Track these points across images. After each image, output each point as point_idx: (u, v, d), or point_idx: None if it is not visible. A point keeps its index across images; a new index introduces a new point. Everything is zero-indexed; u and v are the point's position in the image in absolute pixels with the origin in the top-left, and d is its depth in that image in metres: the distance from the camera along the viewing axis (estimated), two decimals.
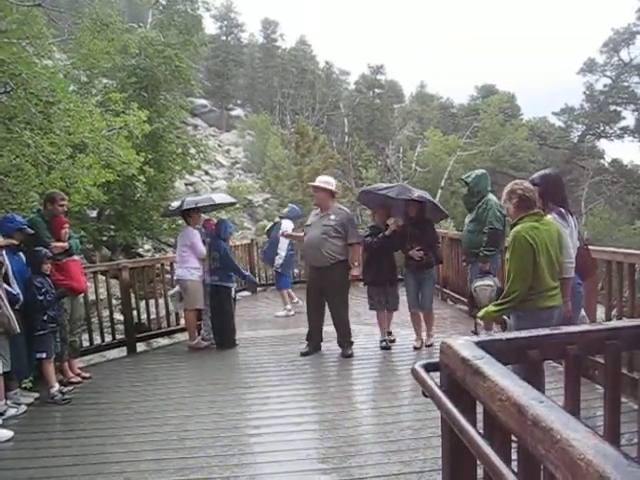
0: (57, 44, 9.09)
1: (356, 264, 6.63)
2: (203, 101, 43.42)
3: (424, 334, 6.74)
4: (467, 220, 6.45)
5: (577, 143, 42.45)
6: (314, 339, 6.69)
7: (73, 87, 9.36)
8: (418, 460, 3.61)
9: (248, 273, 8.37)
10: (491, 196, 6.10)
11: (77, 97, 7.26)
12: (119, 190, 10.95)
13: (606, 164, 41.95)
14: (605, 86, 41.90)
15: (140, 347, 7.58)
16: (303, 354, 6.57)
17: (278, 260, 9.22)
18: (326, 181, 6.68)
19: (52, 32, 7.77)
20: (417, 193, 6.48)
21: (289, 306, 9.24)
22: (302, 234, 7.00)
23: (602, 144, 43.90)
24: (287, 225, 9.07)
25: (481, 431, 1.47)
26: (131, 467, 3.89)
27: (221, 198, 8.69)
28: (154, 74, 11.89)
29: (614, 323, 2.37)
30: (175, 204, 7.86)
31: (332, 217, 6.41)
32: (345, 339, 6.57)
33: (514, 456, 1.55)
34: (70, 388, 5.72)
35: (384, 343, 6.67)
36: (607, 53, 41.22)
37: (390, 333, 6.96)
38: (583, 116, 42.69)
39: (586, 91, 42.75)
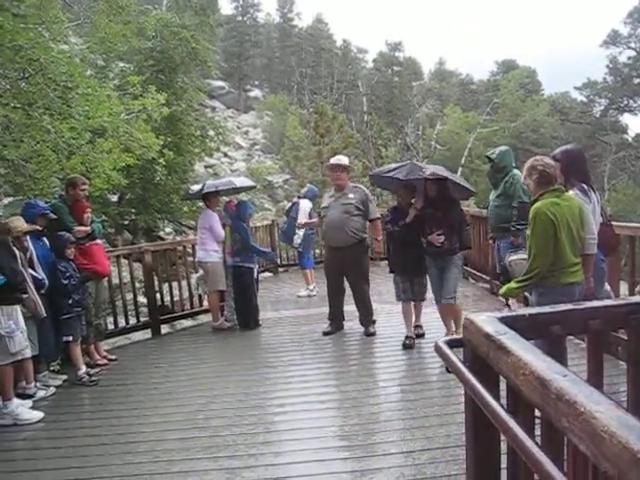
0: (73, 28, 9.11)
1: (379, 239, 6.76)
2: (220, 83, 43.40)
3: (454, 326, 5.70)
4: (493, 196, 6.41)
5: (600, 118, 41.65)
6: (336, 319, 6.73)
7: (90, 71, 9.40)
8: (442, 436, 3.63)
9: (267, 250, 8.47)
10: (516, 171, 6.05)
11: (95, 81, 7.28)
12: (139, 174, 11.02)
13: (629, 139, 41.17)
14: (629, 58, 40.94)
15: (164, 329, 7.68)
16: (326, 333, 6.62)
17: (297, 240, 9.23)
18: (344, 159, 6.74)
19: (67, 16, 7.78)
20: (430, 170, 5.69)
21: (311, 286, 9.23)
22: (316, 219, 7.03)
23: (625, 118, 43.17)
24: (305, 205, 9.05)
25: (505, 406, 1.47)
26: (158, 446, 3.97)
27: (241, 182, 8.67)
28: (171, 56, 11.88)
29: (637, 298, 2.35)
30: (196, 188, 7.91)
31: (351, 196, 6.40)
32: (367, 318, 6.58)
33: (537, 431, 1.55)
34: (97, 370, 5.83)
35: (408, 341, 5.88)
36: (631, 24, 40.24)
37: (419, 326, 6.29)
38: (606, 90, 41.83)
39: (609, 64, 41.83)
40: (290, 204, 9.83)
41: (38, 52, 5.82)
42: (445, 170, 5.91)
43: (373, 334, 6.47)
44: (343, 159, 6.75)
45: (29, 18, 6.22)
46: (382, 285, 8.47)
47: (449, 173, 5.93)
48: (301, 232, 9.18)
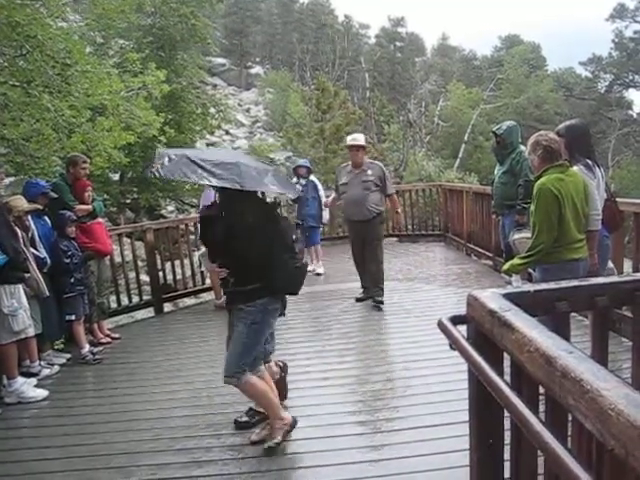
0: (71, 5, 9.00)
1: (399, 211, 7.16)
2: (221, 60, 43.04)
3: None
4: (498, 172, 6.37)
5: (604, 94, 41.22)
6: (369, 287, 6.92)
7: (89, 49, 9.30)
8: (446, 413, 3.64)
9: None
10: (523, 148, 5.99)
11: (94, 59, 7.21)
12: (140, 152, 10.98)
13: (634, 115, 40.84)
14: (635, 33, 40.34)
15: (167, 307, 7.71)
16: (358, 300, 6.93)
17: (326, 215, 9.19)
18: (361, 138, 6.94)
19: None
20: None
21: (320, 263, 9.02)
22: (333, 196, 7.08)
23: (631, 94, 42.90)
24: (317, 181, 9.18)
25: (509, 383, 1.46)
26: (161, 424, 3.99)
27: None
28: (170, 33, 11.79)
29: None
30: None
31: (369, 172, 6.60)
32: (378, 286, 6.75)
33: (542, 408, 1.54)
34: (100, 349, 5.85)
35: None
36: None
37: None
38: (611, 65, 41.33)
39: (615, 39, 41.26)
40: (297, 185, 8.97)
41: (35, 29, 5.76)
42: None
43: (382, 302, 6.63)
44: (359, 138, 6.92)
45: None
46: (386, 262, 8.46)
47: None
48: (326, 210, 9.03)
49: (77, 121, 6.35)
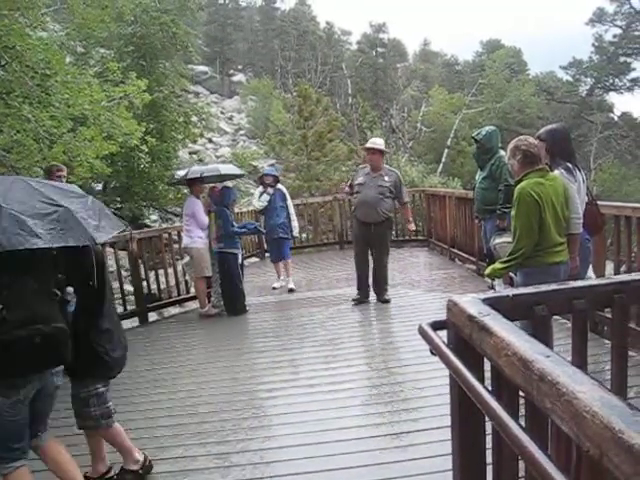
0: (50, 14, 8.94)
1: (411, 219, 7.34)
2: (203, 68, 42.99)
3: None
4: (479, 177, 6.43)
5: (585, 97, 41.72)
6: (363, 287, 7.04)
7: (70, 58, 9.25)
8: (428, 417, 3.66)
9: (250, 224, 8.01)
10: (502, 152, 6.06)
11: (74, 68, 7.17)
12: (123, 162, 10.94)
13: (615, 118, 41.33)
14: (615, 36, 40.88)
15: (152, 317, 7.66)
16: (355, 300, 7.01)
17: (295, 225, 8.55)
18: (380, 143, 7.08)
19: (44, 1, 7.62)
20: None
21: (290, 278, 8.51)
22: (347, 190, 7.14)
23: (611, 97, 43.27)
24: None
25: (489, 387, 1.47)
26: (147, 433, 3.96)
27: (228, 169, 8.51)
28: (151, 42, 11.75)
29: (621, 277, 2.36)
30: (181, 173, 7.83)
31: (386, 178, 6.76)
32: (383, 287, 7.02)
33: (522, 412, 1.55)
34: None
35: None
36: (617, 1, 40.03)
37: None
38: (592, 69, 41.82)
39: (595, 42, 41.79)
40: (264, 195, 8.36)
41: (14, 39, 5.71)
42: None
43: (388, 301, 6.89)
44: (378, 142, 7.09)
45: (2, 4, 6.07)
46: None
47: None
48: (294, 216, 8.57)
49: (58, 131, 6.31)
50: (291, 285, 8.28)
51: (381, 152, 6.88)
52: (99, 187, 12.53)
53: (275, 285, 8.46)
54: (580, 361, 1.92)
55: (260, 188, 8.48)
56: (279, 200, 8.31)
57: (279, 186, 8.54)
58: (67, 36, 8.80)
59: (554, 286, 1.87)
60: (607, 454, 0.87)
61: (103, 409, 3.32)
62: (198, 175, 7.28)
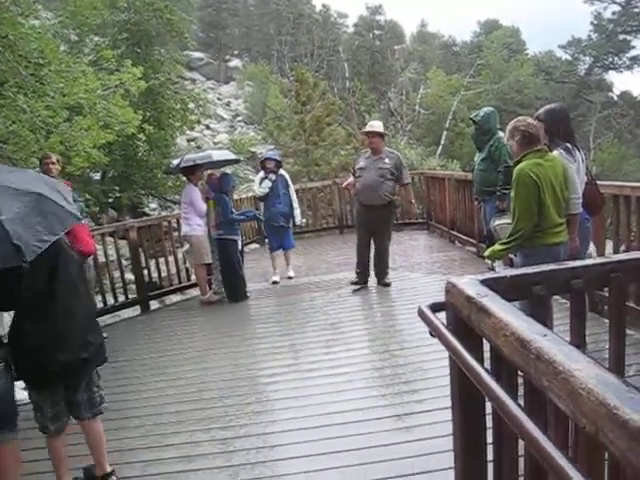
0: (43, 2, 8.86)
1: (413, 201, 7.35)
2: (199, 54, 42.73)
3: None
4: (477, 159, 6.43)
5: (584, 76, 41.39)
6: (363, 272, 7.05)
7: (64, 47, 9.18)
8: (431, 399, 3.69)
9: (249, 212, 8.02)
10: (501, 134, 6.05)
11: (68, 57, 7.12)
12: (120, 150, 10.90)
13: (615, 97, 41.04)
14: (614, 14, 40.33)
15: (153, 305, 7.68)
16: (353, 283, 7.03)
17: (298, 214, 8.18)
18: (379, 125, 7.07)
19: None
20: None
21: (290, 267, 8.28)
22: (350, 180, 7.11)
23: (610, 76, 42.87)
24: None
25: (488, 368, 1.48)
26: (150, 420, 4.00)
27: (221, 155, 8.25)
28: (146, 29, 11.65)
29: (619, 256, 2.36)
30: (175, 162, 7.77)
31: (387, 161, 6.74)
32: (384, 270, 7.06)
33: (522, 392, 1.57)
34: None
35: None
36: None
37: None
38: (591, 47, 41.39)
39: (594, 20, 41.31)
40: (266, 181, 7.90)
41: (6, 28, 5.66)
42: None
43: (388, 285, 6.94)
44: (376, 125, 7.07)
45: None
46: None
47: None
48: (296, 204, 8.18)
49: (54, 121, 6.27)
50: (291, 273, 8.14)
51: (380, 135, 6.86)
52: (97, 177, 12.49)
53: (275, 279, 7.94)
54: (578, 340, 1.93)
55: (261, 173, 7.99)
56: (281, 187, 7.86)
57: (281, 172, 8.05)
58: (60, 24, 8.72)
59: (552, 266, 1.87)
60: (602, 430, 0.88)
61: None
62: (192, 163, 7.20)
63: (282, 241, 8.06)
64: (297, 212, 8.15)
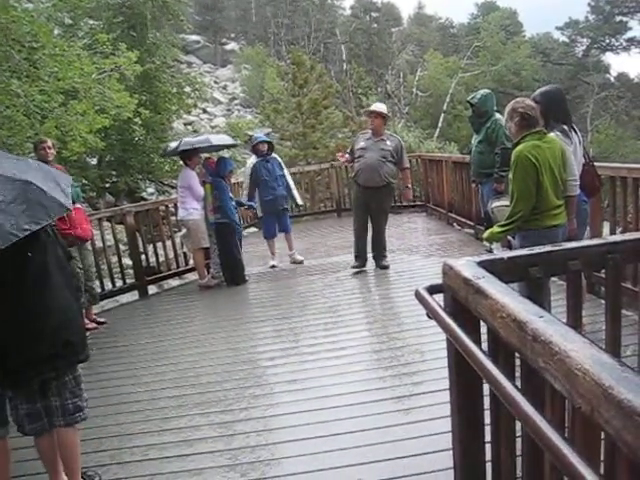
0: None
1: (409, 186, 7.26)
2: (195, 37, 42.33)
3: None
4: (474, 141, 6.42)
5: (582, 58, 41.23)
6: (362, 254, 7.03)
7: (57, 30, 9.09)
8: (429, 380, 3.71)
9: (247, 202, 7.72)
10: (498, 115, 6.04)
11: (62, 41, 7.05)
12: (117, 135, 10.85)
13: (612, 79, 40.93)
14: None
15: (152, 290, 7.68)
16: (354, 267, 6.98)
17: (297, 195, 8.11)
18: (384, 107, 7.07)
19: None
20: None
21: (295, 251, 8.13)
22: (347, 157, 7.08)
23: (608, 58, 42.75)
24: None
25: (486, 349, 1.49)
26: (150, 405, 4.02)
27: (220, 139, 8.22)
28: (141, 11, 11.53)
29: (615, 237, 2.36)
30: (173, 144, 7.73)
31: (388, 143, 6.73)
32: (382, 253, 7.06)
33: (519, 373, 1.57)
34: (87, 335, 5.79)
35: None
36: None
37: None
38: (588, 29, 41.23)
39: (591, 2, 41.08)
40: (256, 164, 7.68)
41: None
42: None
43: (387, 267, 6.95)
44: (380, 106, 7.10)
45: None
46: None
47: None
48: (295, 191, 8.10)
49: (49, 106, 6.23)
50: (300, 257, 7.95)
51: (384, 117, 6.84)
52: (94, 161, 12.43)
53: (274, 263, 7.88)
54: (575, 321, 1.94)
55: (253, 158, 7.80)
56: (277, 169, 7.72)
57: (274, 155, 7.91)
58: (54, 7, 8.60)
59: (548, 248, 1.88)
60: (598, 410, 0.89)
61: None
62: (190, 147, 7.18)
63: (282, 225, 7.91)
64: (295, 193, 8.10)
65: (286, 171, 8.01)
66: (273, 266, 7.86)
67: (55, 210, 2.68)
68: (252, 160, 7.81)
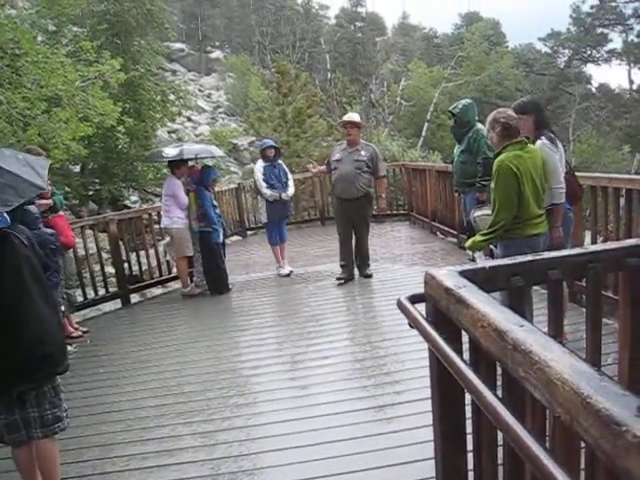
0: None
1: (383, 196, 7.15)
2: (180, 45, 42.27)
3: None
4: (457, 151, 6.46)
5: (564, 69, 41.77)
6: (348, 264, 6.99)
7: (41, 37, 9.02)
8: (411, 389, 3.71)
9: (217, 226, 7.16)
10: (480, 125, 6.09)
11: (46, 48, 7.00)
12: (100, 143, 10.78)
13: (593, 89, 41.52)
14: (592, 7, 40.78)
15: (134, 298, 7.62)
16: (339, 279, 6.91)
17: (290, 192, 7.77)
18: (356, 116, 7.06)
19: None
20: None
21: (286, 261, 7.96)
22: (321, 168, 7.11)
23: (589, 69, 43.40)
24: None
25: (468, 359, 1.49)
26: (132, 414, 3.98)
27: (216, 150, 8.48)
28: (125, 19, 11.50)
29: (595, 246, 2.39)
30: (170, 151, 7.43)
31: (363, 153, 6.70)
32: (365, 262, 7.05)
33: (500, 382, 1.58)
34: (74, 347, 5.71)
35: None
36: None
37: None
38: (570, 40, 41.77)
39: (572, 14, 41.70)
40: (272, 191, 7.51)
41: None
42: None
43: (370, 276, 6.95)
44: (354, 116, 7.09)
45: None
46: None
47: None
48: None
49: (32, 113, 6.17)
50: (289, 268, 7.77)
51: (357, 126, 6.83)
52: (77, 169, 12.34)
53: (283, 272, 7.65)
54: (555, 330, 1.95)
55: (260, 162, 7.62)
56: (283, 176, 7.63)
57: (280, 161, 7.82)
58: (37, 14, 8.55)
59: (529, 257, 1.89)
60: (577, 419, 0.89)
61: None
62: (192, 156, 7.25)
63: (281, 233, 7.81)
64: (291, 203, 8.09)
65: (290, 181, 7.78)
66: (288, 274, 7.59)
67: (27, 190, 2.65)
68: (259, 164, 7.63)
